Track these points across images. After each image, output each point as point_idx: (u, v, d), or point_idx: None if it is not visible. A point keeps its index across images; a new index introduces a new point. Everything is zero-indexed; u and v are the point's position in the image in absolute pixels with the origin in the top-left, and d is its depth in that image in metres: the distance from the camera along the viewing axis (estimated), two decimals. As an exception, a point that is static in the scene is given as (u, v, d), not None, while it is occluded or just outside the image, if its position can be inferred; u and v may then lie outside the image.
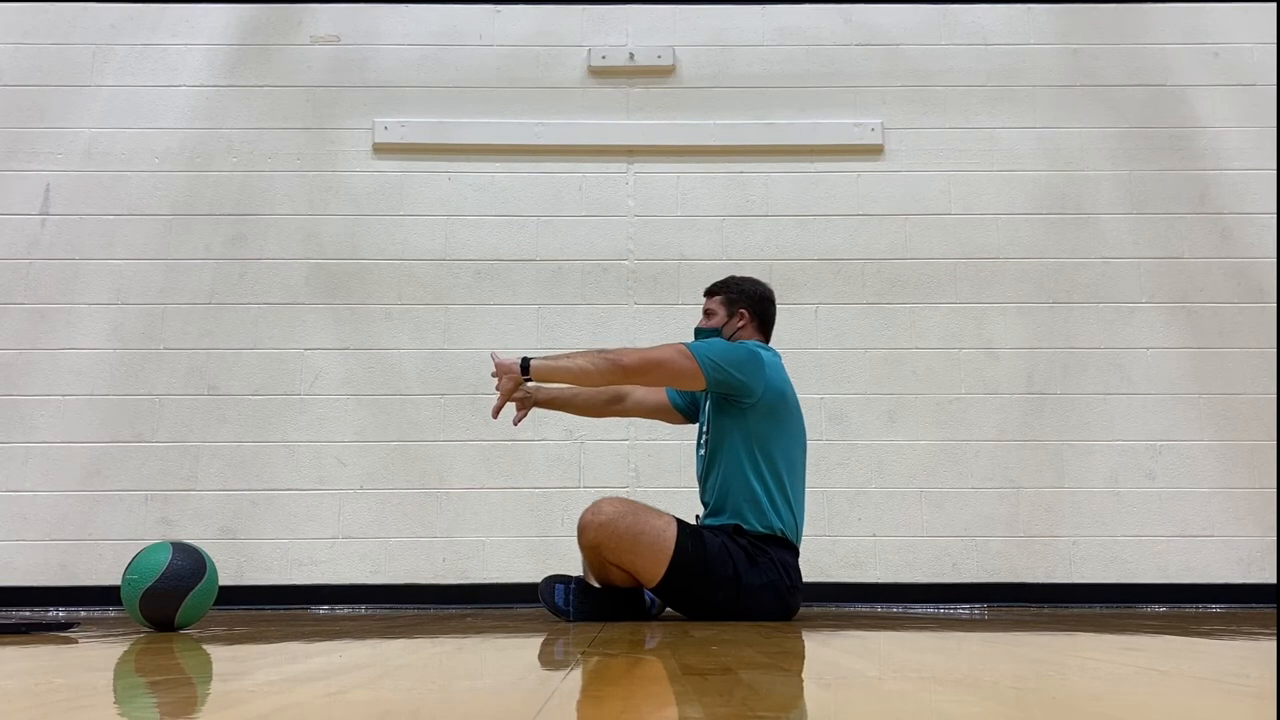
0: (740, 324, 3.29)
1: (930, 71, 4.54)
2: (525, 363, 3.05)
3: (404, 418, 4.30)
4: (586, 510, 2.98)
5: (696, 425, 3.37)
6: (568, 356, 3.04)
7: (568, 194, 4.46)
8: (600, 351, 3.04)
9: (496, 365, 3.12)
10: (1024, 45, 4.55)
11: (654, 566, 2.94)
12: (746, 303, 3.31)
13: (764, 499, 3.06)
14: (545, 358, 3.05)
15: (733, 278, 3.40)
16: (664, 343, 3.21)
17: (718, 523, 3.09)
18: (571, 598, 3.02)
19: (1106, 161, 4.46)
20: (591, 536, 2.94)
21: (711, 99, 4.52)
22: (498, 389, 3.12)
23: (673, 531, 2.96)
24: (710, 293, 3.37)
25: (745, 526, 3.04)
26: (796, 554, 3.10)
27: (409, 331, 4.35)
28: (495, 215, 4.44)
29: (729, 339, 3.24)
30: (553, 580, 3.07)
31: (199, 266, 4.37)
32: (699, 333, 3.29)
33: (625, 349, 3.08)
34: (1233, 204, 4.41)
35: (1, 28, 4.50)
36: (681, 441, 4.23)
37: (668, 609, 3.21)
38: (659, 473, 4.24)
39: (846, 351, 4.35)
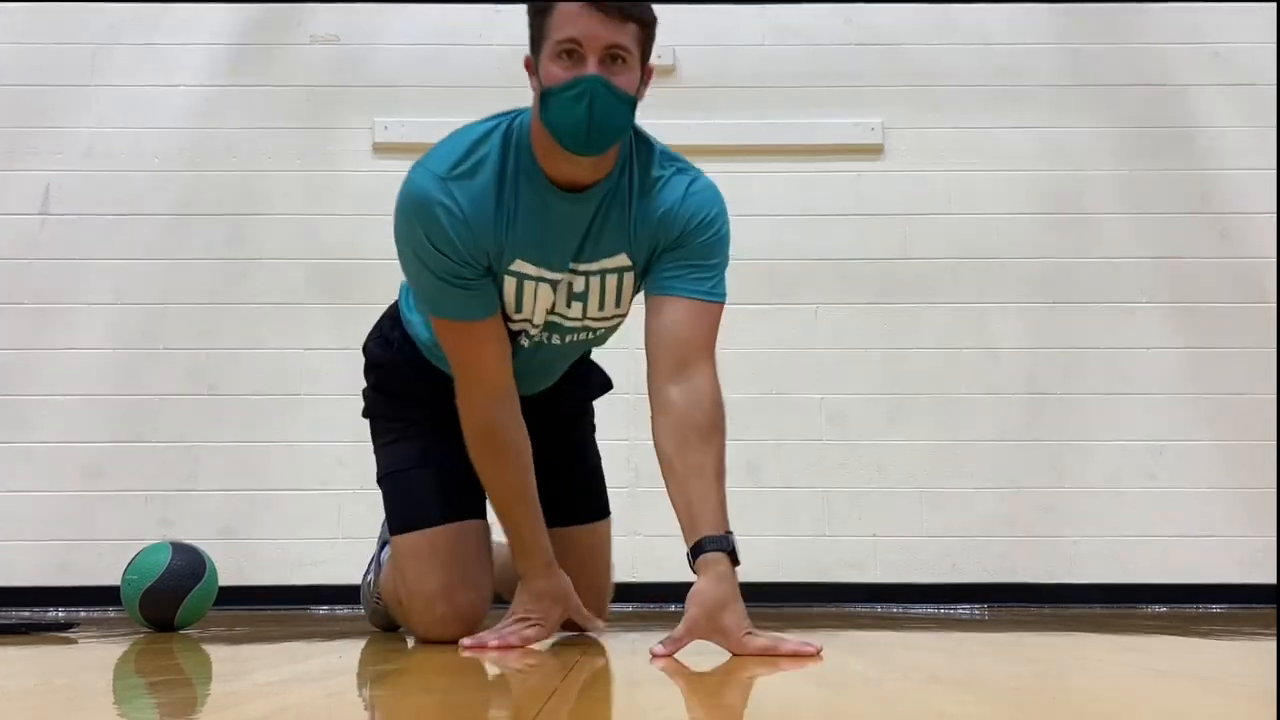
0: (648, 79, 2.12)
1: (930, 71, 4.53)
2: (732, 549, 2.05)
3: (404, 418, 4.29)
4: None
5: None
6: (720, 496, 2.16)
7: (568, 194, 4.45)
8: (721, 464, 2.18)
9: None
10: (1024, 45, 4.55)
11: None
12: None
13: None
14: (718, 519, 2.13)
15: None
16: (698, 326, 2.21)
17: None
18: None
19: (1106, 161, 4.46)
20: None
21: (711, 99, 4.51)
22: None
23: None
24: (628, 13, 1.94)
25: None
26: None
27: (409, 331, 4.34)
28: (495, 215, 4.43)
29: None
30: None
31: (199, 266, 4.36)
32: (613, 92, 1.97)
33: (721, 422, 2.20)
34: (1233, 204, 4.40)
35: (1, 28, 4.50)
36: (681, 441, 4.22)
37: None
38: (660, 473, 4.22)
39: (846, 351, 4.34)
